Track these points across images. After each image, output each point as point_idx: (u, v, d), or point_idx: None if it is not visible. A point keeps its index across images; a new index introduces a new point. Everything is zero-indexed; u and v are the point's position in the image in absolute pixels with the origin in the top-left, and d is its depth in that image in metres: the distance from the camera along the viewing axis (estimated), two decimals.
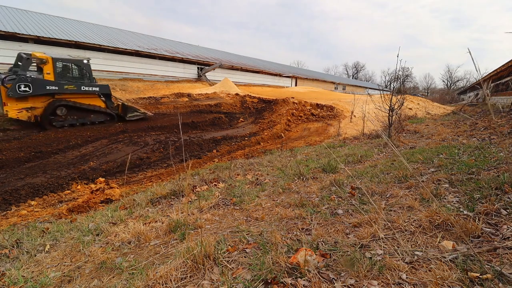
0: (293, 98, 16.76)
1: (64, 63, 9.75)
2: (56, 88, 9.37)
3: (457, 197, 2.50)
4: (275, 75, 34.11)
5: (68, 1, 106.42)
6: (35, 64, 9.67)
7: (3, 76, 8.80)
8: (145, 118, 11.86)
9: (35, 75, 9.37)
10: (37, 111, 9.33)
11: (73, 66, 9.98)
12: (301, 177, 3.99)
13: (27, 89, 8.70)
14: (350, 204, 2.77)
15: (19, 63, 9.26)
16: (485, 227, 1.94)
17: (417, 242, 1.90)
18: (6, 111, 8.67)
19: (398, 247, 1.87)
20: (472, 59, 1.43)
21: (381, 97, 7.11)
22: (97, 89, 10.42)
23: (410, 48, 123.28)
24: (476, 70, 1.45)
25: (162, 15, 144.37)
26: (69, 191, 6.03)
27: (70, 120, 10.09)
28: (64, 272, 2.15)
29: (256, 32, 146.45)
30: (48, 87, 9.20)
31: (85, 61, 10.27)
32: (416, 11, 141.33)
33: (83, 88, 9.99)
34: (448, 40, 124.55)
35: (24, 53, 9.31)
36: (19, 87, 8.53)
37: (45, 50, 16.21)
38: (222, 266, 1.87)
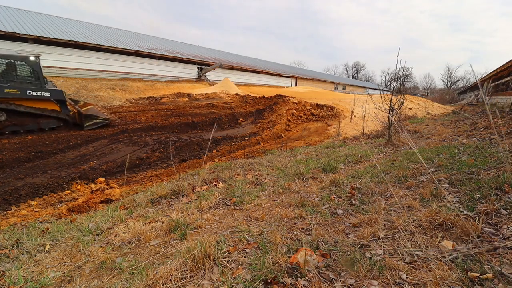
0: (294, 98, 16.76)
1: (4, 60, 8.04)
2: None
3: (457, 197, 2.50)
4: (275, 75, 34.11)
5: (83, 4, 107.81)
6: None
7: None
8: (108, 125, 10.20)
9: None
10: None
11: (17, 64, 8.19)
12: (301, 177, 3.98)
13: None
14: (350, 204, 2.77)
15: None
16: (485, 227, 1.94)
17: (417, 242, 1.90)
18: None
19: (398, 247, 1.87)
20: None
21: (381, 97, 7.11)
22: (48, 94, 8.51)
23: (410, 50, 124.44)
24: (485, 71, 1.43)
25: (172, 18, 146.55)
26: (69, 191, 6.03)
27: (12, 127, 8.34)
28: (64, 272, 2.15)
29: (262, 35, 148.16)
30: None
31: (32, 58, 8.37)
32: (416, 16, 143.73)
33: (29, 93, 8.17)
34: (448, 42, 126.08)
35: None
36: None
37: (45, 50, 16.23)
38: (222, 266, 1.87)
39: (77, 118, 9.89)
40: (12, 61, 8.19)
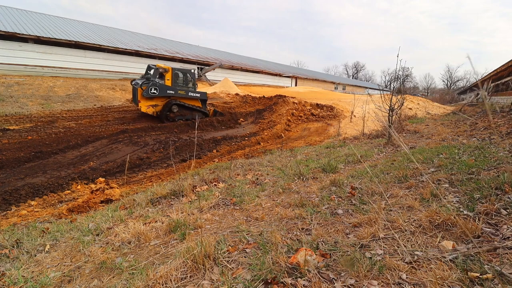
0: (294, 98, 16.75)
1: (178, 72, 12.13)
2: (173, 92, 11.73)
3: (457, 197, 2.50)
4: (275, 75, 34.12)
5: (84, 5, 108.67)
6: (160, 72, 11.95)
7: (140, 82, 11.25)
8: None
9: (158, 80, 11.68)
10: (158, 108, 11.78)
11: (182, 74, 12.27)
12: (301, 177, 3.98)
13: (155, 91, 11.16)
14: (350, 204, 2.77)
15: (148, 72, 11.85)
16: (485, 227, 1.94)
17: (417, 242, 1.90)
18: (140, 106, 11.28)
19: (398, 247, 1.87)
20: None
21: (381, 97, 7.11)
22: (199, 95, 12.60)
23: (410, 50, 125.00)
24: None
25: (172, 19, 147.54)
26: (69, 191, 6.03)
27: (179, 117, 12.24)
28: (64, 272, 2.15)
29: (262, 35, 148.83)
30: (168, 91, 11.60)
31: (192, 70, 12.73)
32: (417, 16, 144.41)
33: (190, 94, 12.25)
34: (448, 42, 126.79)
35: (152, 64, 11.91)
36: (151, 89, 11.02)
37: (45, 50, 16.18)
38: (222, 266, 1.87)
39: (211, 112, 13.79)
40: (179, 72, 12.22)
